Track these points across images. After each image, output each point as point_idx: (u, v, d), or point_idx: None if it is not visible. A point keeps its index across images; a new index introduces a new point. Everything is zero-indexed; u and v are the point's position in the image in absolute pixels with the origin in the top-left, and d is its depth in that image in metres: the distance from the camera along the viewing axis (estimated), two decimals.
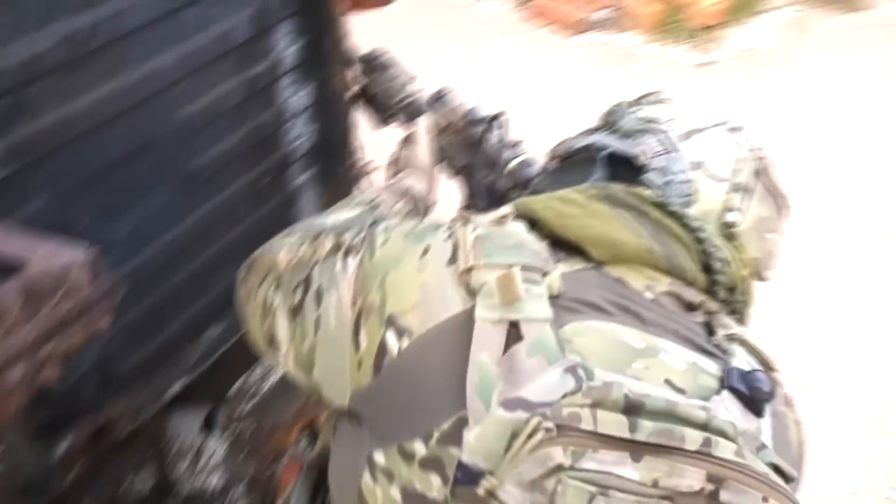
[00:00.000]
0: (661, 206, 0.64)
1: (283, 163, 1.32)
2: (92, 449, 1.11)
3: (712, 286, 0.64)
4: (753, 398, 0.56)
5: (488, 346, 0.54)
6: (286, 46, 1.16)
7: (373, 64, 1.12)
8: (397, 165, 0.97)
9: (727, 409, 0.54)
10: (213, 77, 1.04)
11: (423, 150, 0.96)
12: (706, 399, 0.55)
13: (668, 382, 0.55)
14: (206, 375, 1.35)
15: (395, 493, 0.58)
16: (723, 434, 0.50)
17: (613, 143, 0.71)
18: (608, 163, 0.70)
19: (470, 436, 0.53)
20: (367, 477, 0.60)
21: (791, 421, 0.63)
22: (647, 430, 0.49)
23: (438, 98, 1.01)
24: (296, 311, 0.68)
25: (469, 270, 0.58)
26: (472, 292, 0.57)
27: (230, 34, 1.02)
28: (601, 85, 3.20)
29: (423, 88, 1.08)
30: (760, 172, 0.69)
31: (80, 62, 0.87)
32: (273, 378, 1.59)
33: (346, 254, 0.66)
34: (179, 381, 1.30)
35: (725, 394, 0.56)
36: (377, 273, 0.62)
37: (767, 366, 0.63)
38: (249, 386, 1.57)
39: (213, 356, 1.35)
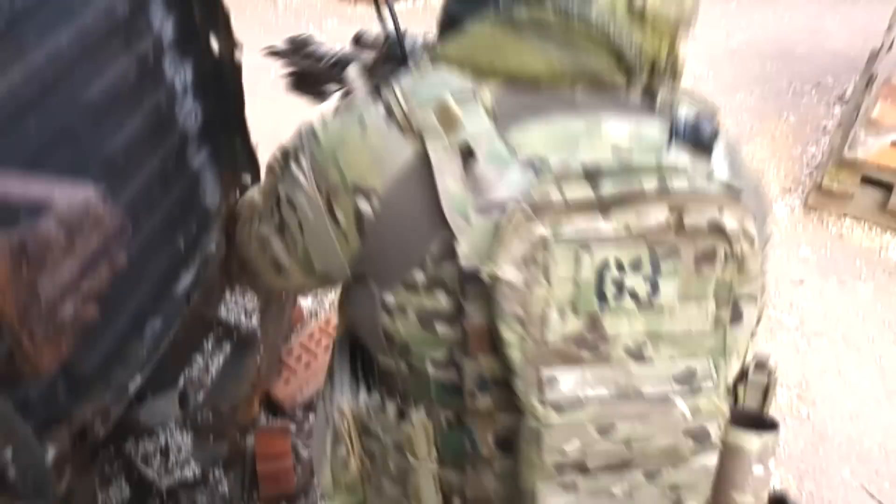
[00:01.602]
0: (563, 15, 0.64)
1: (181, 143, 1.33)
2: (76, 456, 1.09)
3: (631, 75, 0.67)
4: (699, 141, 0.64)
5: (449, 171, 0.61)
6: (163, 21, 1.18)
7: (291, 47, 1.14)
8: None
9: (676, 156, 0.64)
10: (106, 57, 1.04)
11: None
12: (658, 152, 0.63)
13: (615, 148, 0.63)
14: (158, 369, 1.35)
15: (413, 319, 0.66)
16: (674, 171, 0.60)
17: None
18: None
19: (461, 247, 0.61)
20: (385, 319, 0.68)
21: (740, 154, 0.71)
22: (608, 186, 0.58)
23: (357, 41, 1.06)
24: (281, 228, 0.74)
25: (407, 117, 0.63)
26: (417, 134, 0.63)
27: (113, 9, 1.03)
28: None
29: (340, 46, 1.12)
30: None
31: None
32: (217, 363, 1.60)
33: (296, 157, 0.71)
34: (136, 378, 1.29)
35: (672, 145, 0.64)
36: (328, 156, 0.67)
37: (711, 112, 0.69)
38: (195, 377, 1.57)
39: (159, 348, 1.35)
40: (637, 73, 0.66)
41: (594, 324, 0.61)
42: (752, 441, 0.57)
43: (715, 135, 0.65)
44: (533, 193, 0.58)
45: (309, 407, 1.78)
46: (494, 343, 0.62)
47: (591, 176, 0.59)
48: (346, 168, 0.66)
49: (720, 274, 0.61)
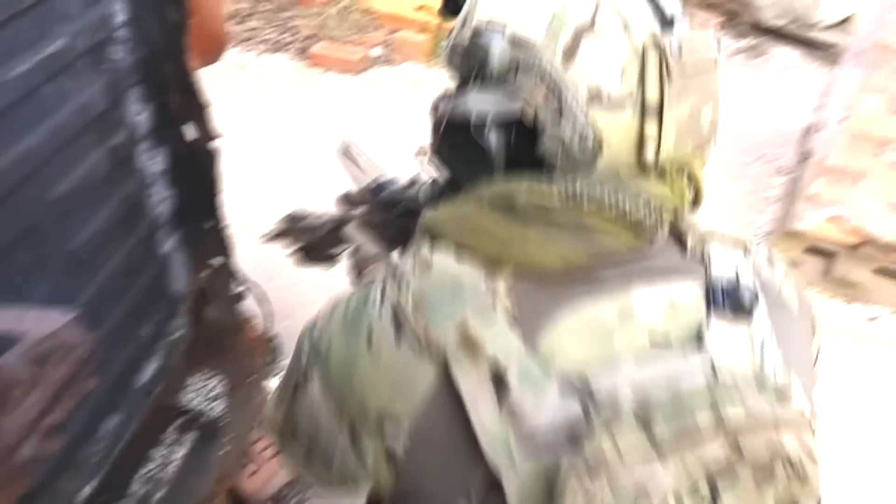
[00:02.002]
0: (571, 199, 0.58)
1: (151, 231, 1.29)
2: None
3: (654, 235, 0.61)
4: (739, 307, 0.59)
5: (482, 403, 0.55)
6: (138, 112, 1.16)
7: (288, 226, 1.17)
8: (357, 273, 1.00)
9: (718, 337, 0.58)
10: (78, 153, 1.01)
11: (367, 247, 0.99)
12: (695, 337, 0.58)
13: (651, 332, 0.57)
14: (112, 472, 1.26)
15: None
16: (726, 394, 0.54)
17: (488, 104, 0.60)
18: (495, 130, 0.60)
19: (509, 491, 0.54)
20: None
21: (788, 305, 0.65)
22: (661, 426, 0.52)
23: (345, 201, 1.07)
24: (308, 452, 0.67)
25: (422, 339, 0.56)
26: (434, 355, 0.56)
27: (88, 106, 1.01)
28: (400, 113, 3.41)
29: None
30: (666, 63, 0.58)
31: None
32: (179, 457, 1.51)
33: (306, 380, 0.64)
34: (86, 486, 1.20)
35: (713, 321, 0.58)
36: (342, 385, 0.60)
37: (745, 248, 0.65)
38: (154, 475, 1.48)
39: (114, 452, 1.27)
40: (660, 229, 0.60)
41: None
42: None
43: (756, 298, 0.60)
44: (586, 449, 0.52)
45: (277, 500, 1.69)
46: None
47: (644, 417, 0.53)
48: (363, 397, 0.59)
49: (782, 488, 0.56)
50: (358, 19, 4.09)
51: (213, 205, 1.36)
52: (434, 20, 3.82)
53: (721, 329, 0.59)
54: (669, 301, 0.60)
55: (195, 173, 1.30)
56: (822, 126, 2.74)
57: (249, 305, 1.65)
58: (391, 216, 0.99)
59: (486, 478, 0.55)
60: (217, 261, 1.49)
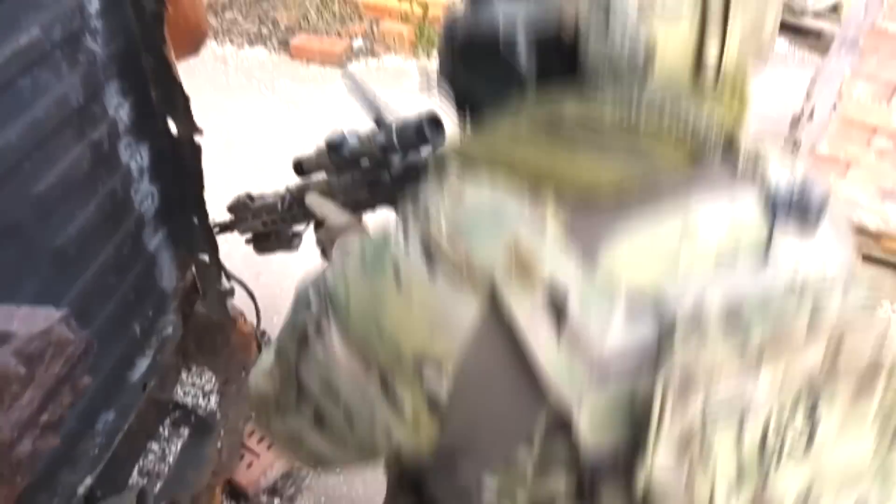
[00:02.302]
0: (625, 106, 0.52)
1: (137, 227, 1.29)
2: None
3: (710, 157, 0.56)
4: (806, 215, 0.54)
5: (539, 332, 0.49)
6: (118, 105, 1.15)
7: (236, 215, 1.05)
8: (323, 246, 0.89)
9: (787, 250, 0.52)
10: (59, 147, 1.01)
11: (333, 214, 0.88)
12: (763, 251, 0.53)
13: (718, 255, 0.52)
14: (111, 464, 1.27)
15: None
16: (819, 297, 0.48)
17: (519, 16, 0.54)
18: (527, 45, 0.55)
19: (582, 433, 0.48)
20: (489, 501, 0.54)
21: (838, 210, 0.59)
22: (756, 331, 0.47)
23: (298, 170, 0.94)
24: (319, 422, 0.60)
25: (462, 268, 0.50)
26: (479, 284, 0.50)
27: (66, 99, 1.00)
28: (386, 104, 3.40)
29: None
30: None
31: None
32: (175, 450, 1.51)
33: (319, 332, 0.57)
34: (86, 479, 1.21)
35: (779, 235, 0.53)
36: (367, 331, 0.53)
37: (801, 166, 0.59)
38: (151, 467, 1.49)
39: (112, 444, 1.27)
40: (718, 151, 0.55)
41: (759, 492, 0.49)
42: None
43: (823, 210, 0.54)
44: (675, 358, 0.46)
45: (273, 491, 1.70)
46: None
47: (733, 322, 0.47)
48: (397, 341, 0.52)
49: (881, 400, 0.51)
50: (338, 10, 4.07)
51: (197, 200, 1.36)
52: (417, 9, 3.80)
53: (788, 242, 0.54)
54: (731, 218, 0.54)
55: (179, 168, 1.30)
56: (812, 114, 2.75)
57: (238, 301, 1.66)
58: (357, 175, 0.87)
59: (550, 418, 0.50)
60: (204, 256, 1.49)
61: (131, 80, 1.16)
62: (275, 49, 3.95)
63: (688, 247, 0.52)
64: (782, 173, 0.58)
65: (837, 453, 0.50)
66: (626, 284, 0.50)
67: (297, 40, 3.87)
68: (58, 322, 0.61)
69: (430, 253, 0.51)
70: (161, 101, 1.22)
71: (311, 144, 0.96)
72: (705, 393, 0.46)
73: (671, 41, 0.52)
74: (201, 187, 1.32)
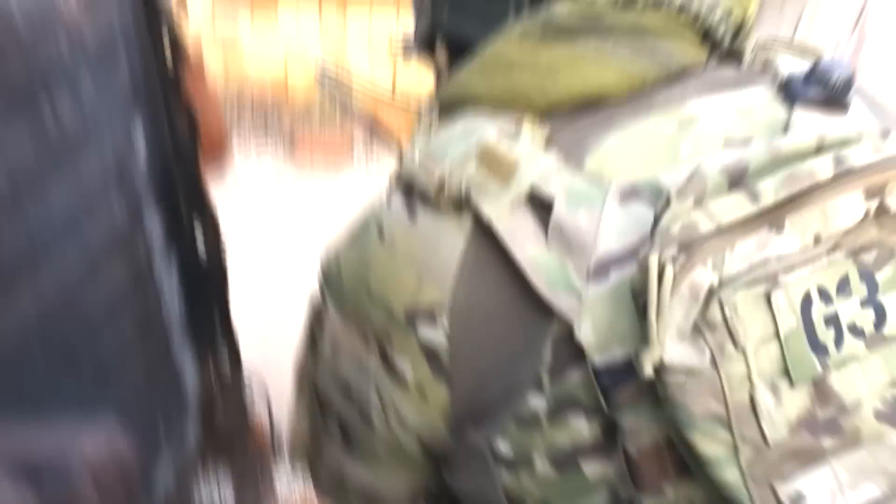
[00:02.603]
0: (619, 3, 0.49)
1: (166, 341, 1.33)
2: None
3: (715, 48, 0.52)
4: (829, 91, 0.46)
5: (524, 236, 0.45)
6: (154, 226, 1.22)
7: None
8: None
9: (815, 122, 0.46)
10: (106, 273, 1.06)
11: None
12: (780, 131, 0.46)
13: (727, 141, 0.46)
14: None
15: (544, 467, 0.47)
16: (846, 141, 0.41)
17: None
18: None
19: (584, 336, 0.43)
20: (505, 478, 0.49)
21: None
22: (769, 189, 0.40)
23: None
24: (345, 438, 0.57)
25: (437, 192, 0.46)
26: (460, 205, 0.46)
27: (115, 224, 1.07)
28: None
29: None
30: None
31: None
32: None
33: (320, 324, 0.56)
34: None
35: (800, 112, 0.46)
36: (359, 297, 0.51)
37: (813, 52, 0.54)
38: None
39: None
40: (723, 42, 0.51)
41: (822, 391, 0.41)
42: None
43: (850, 78, 0.47)
44: (672, 227, 0.40)
45: None
46: (685, 463, 0.42)
47: (738, 181, 0.41)
48: (385, 296, 0.49)
49: None
50: (338, 113, 4.26)
51: (226, 316, 1.41)
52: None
53: (812, 118, 0.47)
54: (736, 106, 0.49)
55: (208, 286, 1.35)
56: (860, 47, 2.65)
57: (252, 396, 1.68)
58: None
59: (557, 347, 0.45)
60: (225, 368, 1.53)
61: (166, 200, 1.23)
62: (280, 153, 4.10)
63: (688, 134, 0.47)
64: (796, 63, 0.51)
65: None
66: (617, 176, 0.45)
67: (301, 144, 4.02)
68: (119, 437, 0.63)
69: (408, 191, 0.49)
70: (194, 221, 1.29)
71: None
72: (715, 265, 0.39)
73: None
74: (229, 304, 1.37)
